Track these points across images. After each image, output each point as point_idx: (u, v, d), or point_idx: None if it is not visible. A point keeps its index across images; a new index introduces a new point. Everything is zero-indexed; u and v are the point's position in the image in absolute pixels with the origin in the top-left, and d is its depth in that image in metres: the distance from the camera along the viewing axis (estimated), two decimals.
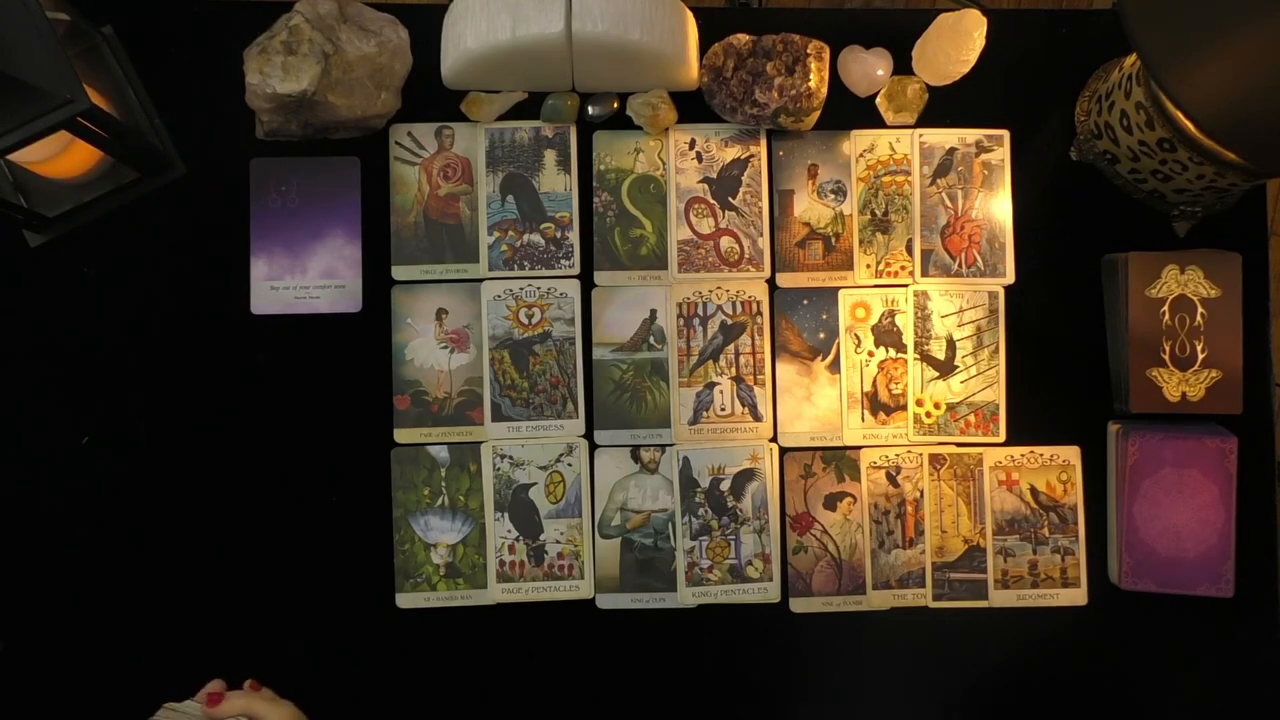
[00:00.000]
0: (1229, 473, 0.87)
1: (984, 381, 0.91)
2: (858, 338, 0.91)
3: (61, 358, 0.89)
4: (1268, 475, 0.90)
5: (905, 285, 0.92)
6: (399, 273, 0.91)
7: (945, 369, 0.91)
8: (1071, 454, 0.91)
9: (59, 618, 0.88)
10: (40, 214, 0.86)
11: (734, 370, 0.91)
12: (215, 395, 0.89)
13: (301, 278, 0.90)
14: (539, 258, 0.91)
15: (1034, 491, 0.90)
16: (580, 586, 0.89)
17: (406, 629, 0.89)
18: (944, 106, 0.93)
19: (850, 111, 0.93)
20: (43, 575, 0.88)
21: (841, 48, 0.92)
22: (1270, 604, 0.90)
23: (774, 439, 0.91)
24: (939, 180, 0.92)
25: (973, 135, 0.92)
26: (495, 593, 0.89)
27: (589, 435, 0.90)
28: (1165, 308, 0.88)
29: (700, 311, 0.91)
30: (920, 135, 0.92)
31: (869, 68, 0.92)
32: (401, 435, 0.90)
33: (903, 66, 0.93)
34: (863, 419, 0.91)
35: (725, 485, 0.90)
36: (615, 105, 0.91)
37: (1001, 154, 0.92)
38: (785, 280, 0.92)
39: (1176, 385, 0.87)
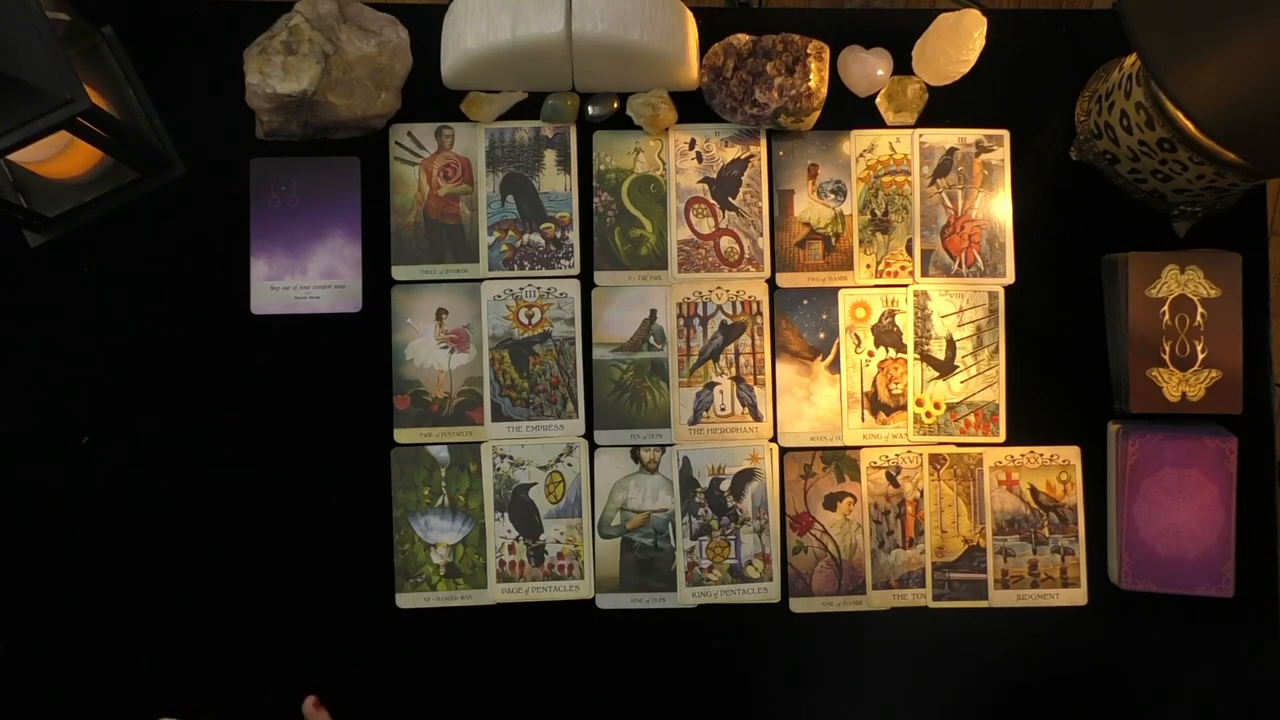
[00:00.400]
0: (1229, 473, 0.87)
1: (984, 381, 0.91)
2: (858, 338, 0.91)
3: (61, 358, 0.89)
4: (1268, 475, 0.90)
5: (905, 285, 0.92)
6: (399, 273, 0.91)
7: (945, 369, 0.91)
8: (1071, 454, 0.91)
9: (59, 618, 0.88)
10: (40, 214, 0.86)
11: (734, 370, 0.91)
12: (215, 395, 0.89)
13: (301, 278, 0.90)
14: (539, 258, 0.91)
15: (1034, 491, 0.90)
16: (580, 586, 0.89)
17: (406, 629, 0.89)
18: (944, 106, 0.93)
19: (850, 111, 0.93)
20: (43, 575, 0.88)
21: (841, 48, 0.92)
22: (1270, 604, 0.90)
23: (774, 439, 0.91)
24: (939, 180, 0.92)
25: (973, 135, 0.92)
26: (495, 593, 0.89)
27: (589, 435, 0.90)
28: (1165, 308, 0.88)
29: (700, 311, 0.91)
30: (920, 135, 0.92)
31: (869, 68, 0.92)
32: (401, 435, 0.90)
33: (903, 66, 0.93)
34: (863, 419, 0.91)
35: (725, 485, 0.90)
36: (615, 105, 0.91)
37: (1001, 154, 0.92)
38: (785, 280, 0.92)
39: (1176, 385, 0.87)
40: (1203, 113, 0.71)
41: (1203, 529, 0.87)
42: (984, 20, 0.89)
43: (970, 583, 0.90)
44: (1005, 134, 0.92)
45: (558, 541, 0.89)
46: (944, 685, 0.90)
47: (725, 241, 0.91)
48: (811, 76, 0.87)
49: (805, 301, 0.92)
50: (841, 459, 0.91)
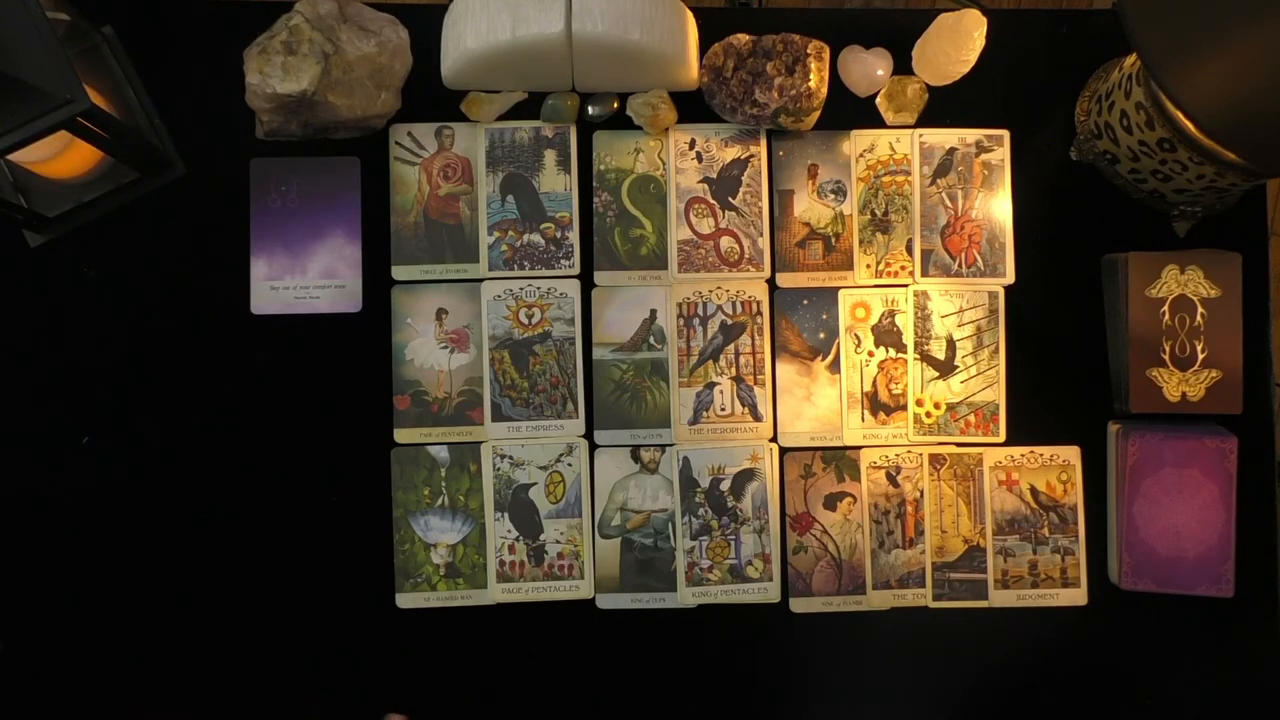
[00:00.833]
0: (1229, 473, 0.87)
1: (984, 381, 0.91)
2: (858, 338, 0.91)
3: (61, 358, 0.89)
4: (1268, 475, 0.90)
5: (905, 285, 0.92)
6: (399, 273, 0.91)
7: (945, 369, 0.91)
8: (1071, 454, 0.91)
9: (59, 618, 0.88)
10: (40, 214, 0.86)
11: (734, 370, 0.91)
12: (215, 395, 0.89)
13: (301, 278, 0.90)
14: (539, 258, 0.91)
15: (1034, 491, 0.90)
16: (580, 586, 0.89)
17: (406, 629, 0.89)
18: (944, 106, 0.93)
19: (850, 111, 0.93)
20: (43, 575, 0.88)
21: (841, 48, 0.92)
22: (1270, 604, 0.90)
23: (774, 439, 0.91)
24: (939, 180, 0.92)
25: (973, 135, 0.92)
26: (495, 593, 0.89)
27: (589, 435, 0.90)
28: (1165, 308, 0.88)
29: (700, 311, 0.91)
30: (920, 135, 0.92)
31: (869, 68, 0.92)
32: (401, 435, 0.90)
33: (903, 66, 0.93)
34: (863, 419, 0.91)
35: (725, 485, 0.90)
36: (615, 105, 0.91)
37: (1001, 154, 0.92)
38: (785, 280, 0.92)
39: (1176, 385, 0.87)
40: (1203, 113, 0.71)
41: (1203, 529, 0.87)
42: (984, 20, 0.89)
43: (970, 583, 0.90)
44: (1005, 134, 0.92)
45: (558, 541, 0.89)
46: (944, 685, 0.90)
47: (725, 241, 0.91)
48: (811, 76, 0.87)
49: (805, 301, 0.92)
50: (841, 459, 0.91)
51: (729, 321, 0.91)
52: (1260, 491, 0.90)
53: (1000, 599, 0.90)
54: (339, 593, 0.89)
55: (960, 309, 0.91)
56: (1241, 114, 0.71)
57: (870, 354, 0.91)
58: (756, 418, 0.91)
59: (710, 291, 0.91)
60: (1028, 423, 0.91)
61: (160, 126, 0.90)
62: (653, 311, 0.91)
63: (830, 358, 0.91)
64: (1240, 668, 0.90)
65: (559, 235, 0.91)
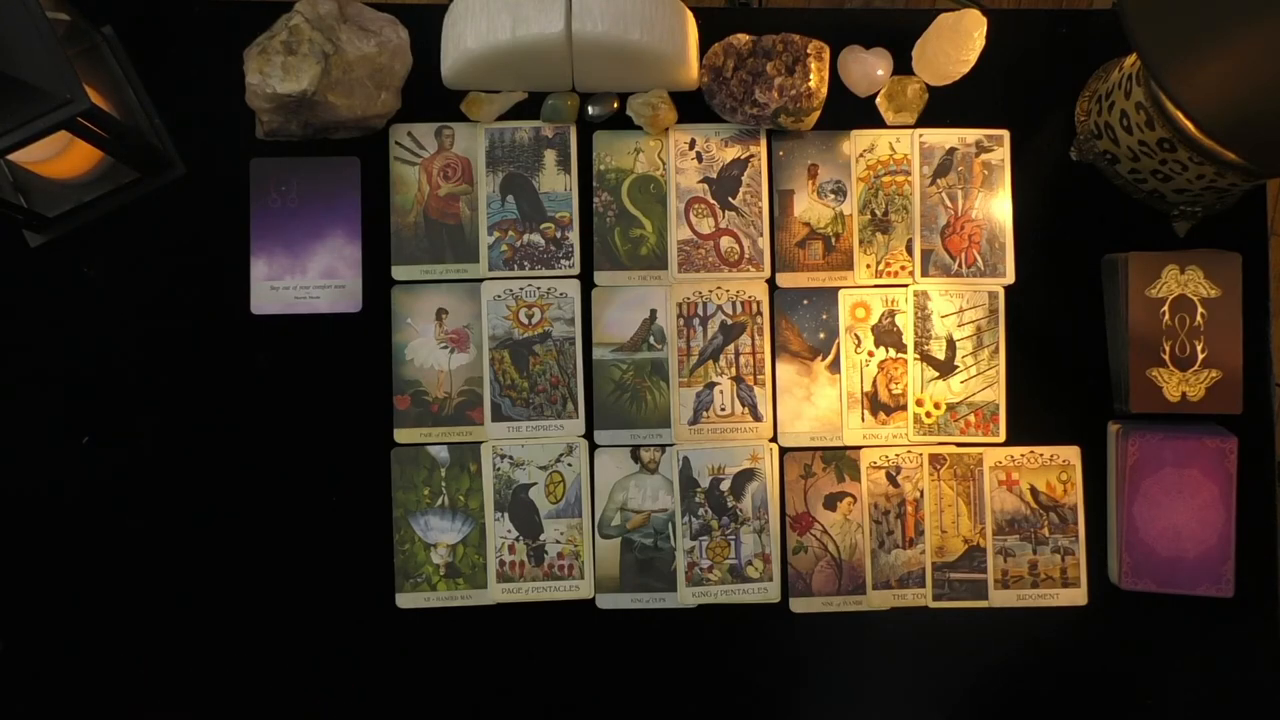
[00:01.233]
0: (1229, 473, 0.87)
1: (984, 381, 0.91)
2: (858, 338, 0.91)
3: (61, 358, 0.89)
4: (1268, 475, 0.90)
5: (905, 285, 0.92)
6: (399, 273, 0.91)
7: (945, 369, 0.91)
8: (1071, 454, 0.91)
9: (59, 618, 0.88)
10: (40, 214, 0.86)
11: (734, 370, 0.91)
12: (215, 395, 0.89)
13: (301, 278, 0.90)
14: (539, 258, 0.91)
15: (1034, 491, 0.90)
16: (580, 586, 0.89)
17: (406, 629, 0.89)
18: (944, 106, 0.93)
19: (850, 111, 0.93)
20: (43, 575, 0.88)
21: (841, 48, 0.92)
22: (1270, 604, 0.90)
23: (774, 439, 0.91)
24: (939, 180, 0.92)
25: (973, 135, 0.92)
26: (495, 593, 0.89)
27: (589, 435, 0.90)
28: (1165, 308, 0.88)
29: (700, 311, 0.91)
30: (920, 135, 0.92)
31: (869, 68, 0.92)
32: (401, 435, 0.90)
33: (903, 66, 0.93)
34: (863, 419, 0.91)
35: (725, 485, 0.90)
36: (615, 105, 0.91)
37: (1001, 154, 0.92)
38: (785, 280, 0.92)
39: (1176, 385, 0.87)
40: (1203, 113, 0.71)
41: (1203, 529, 0.87)
42: (984, 20, 0.89)
43: (970, 583, 0.90)
44: (1005, 134, 0.92)
45: (558, 541, 0.89)
46: (944, 685, 0.91)
47: (725, 241, 0.92)
48: (811, 76, 0.87)
49: (805, 301, 0.92)
50: (841, 459, 0.91)
51: (729, 321, 0.91)
52: (1260, 491, 0.90)
53: (1000, 599, 0.90)
54: (339, 593, 0.89)
55: (960, 309, 0.91)
56: (1241, 114, 0.71)
57: (870, 354, 0.91)
58: (756, 418, 0.91)
59: (710, 291, 0.91)
60: (1028, 423, 0.91)
61: (160, 126, 0.90)
62: (653, 311, 0.91)
63: (830, 358, 0.91)
64: (1240, 668, 0.90)
65: (559, 235, 0.91)
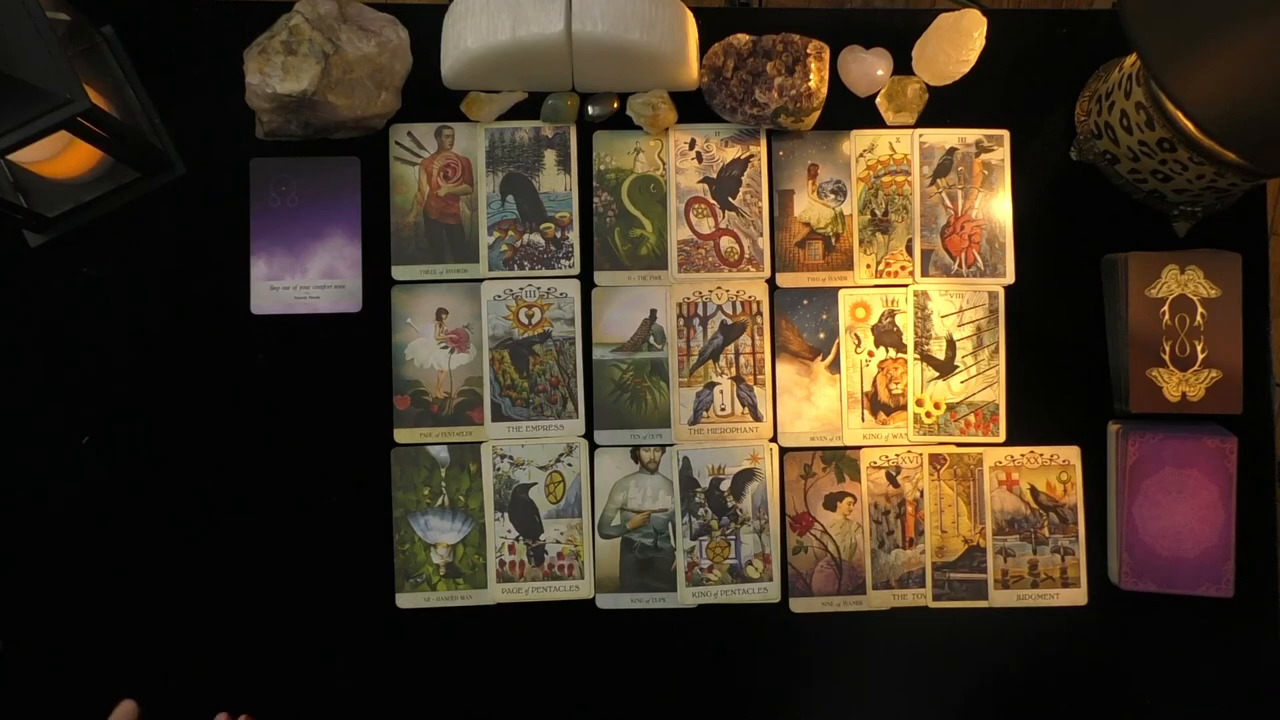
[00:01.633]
0: (1229, 473, 0.87)
1: (984, 381, 0.91)
2: (858, 338, 0.91)
3: (61, 358, 0.89)
4: (1268, 475, 0.90)
5: (905, 285, 0.92)
6: (399, 273, 0.91)
7: (945, 369, 0.91)
8: (1071, 454, 0.91)
9: (59, 618, 0.88)
10: (40, 214, 0.86)
11: (734, 370, 0.91)
12: (215, 395, 0.89)
13: (301, 278, 0.90)
14: (539, 258, 0.91)
15: (1034, 491, 0.90)
16: (580, 586, 0.89)
17: (406, 629, 0.89)
18: (944, 106, 0.93)
19: (850, 111, 0.93)
20: (43, 575, 0.88)
21: (841, 48, 0.92)
22: (1270, 604, 0.90)
23: (774, 439, 0.91)
24: (939, 180, 0.92)
25: (973, 135, 0.92)
26: (495, 593, 0.89)
27: (589, 435, 0.90)
28: (1165, 308, 0.88)
29: (700, 311, 0.91)
30: (920, 135, 0.92)
31: (869, 68, 0.92)
32: (401, 435, 0.90)
33: (903, 66, 0.93)
34: (863, 419, 0.91)
35: (725, 485, 0.90)
36: (615, 105, 0.91)
37: (1001, 154, 0.92)
38: (785, 280, 0.92)
39: (1176, 385, 0.87)
40: (1203, 113, 0.71)
41: (1203, 529, 0.87)
42: (984, 20, 0.89)
43: (970, 583, 0.90)
44: (1005, 134, 0.92)
45: (558, 541, 0.89)
46: (944, 685, 0.91)
47: (725, 241, 0.92)
48: (811, 76, 0.87)
49: (805, 301, 0.92)
50: (841, 459, 0.91)
51: (729, 321, 0.91)
52: (1260, 491, 0.90)
53: (1000, 599, 0.90)
54: (339, 593, 0.89)
55: (960, 309, 0.91)
56: (1241, 114, 0.71)
57: (870, 354, 0.91)
58: (756, 418, 0.91)
59: (710, 291, 0.91)
60: (1028, 423, 0.91)
61: (160, 126, 0.90)
62: (653, 311, 0.91)
63: (830, 358, 0.91)
64: (1240, 668, 0.90)
65: (559, 235, 0.91)
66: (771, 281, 0.92)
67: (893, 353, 0.91)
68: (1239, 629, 0.90)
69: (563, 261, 0.91)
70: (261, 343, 0.90)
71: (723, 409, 0.91)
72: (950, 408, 0.91)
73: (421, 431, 0.90)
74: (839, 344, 0.91)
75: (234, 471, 0.89)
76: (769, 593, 0.90)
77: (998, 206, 0.92)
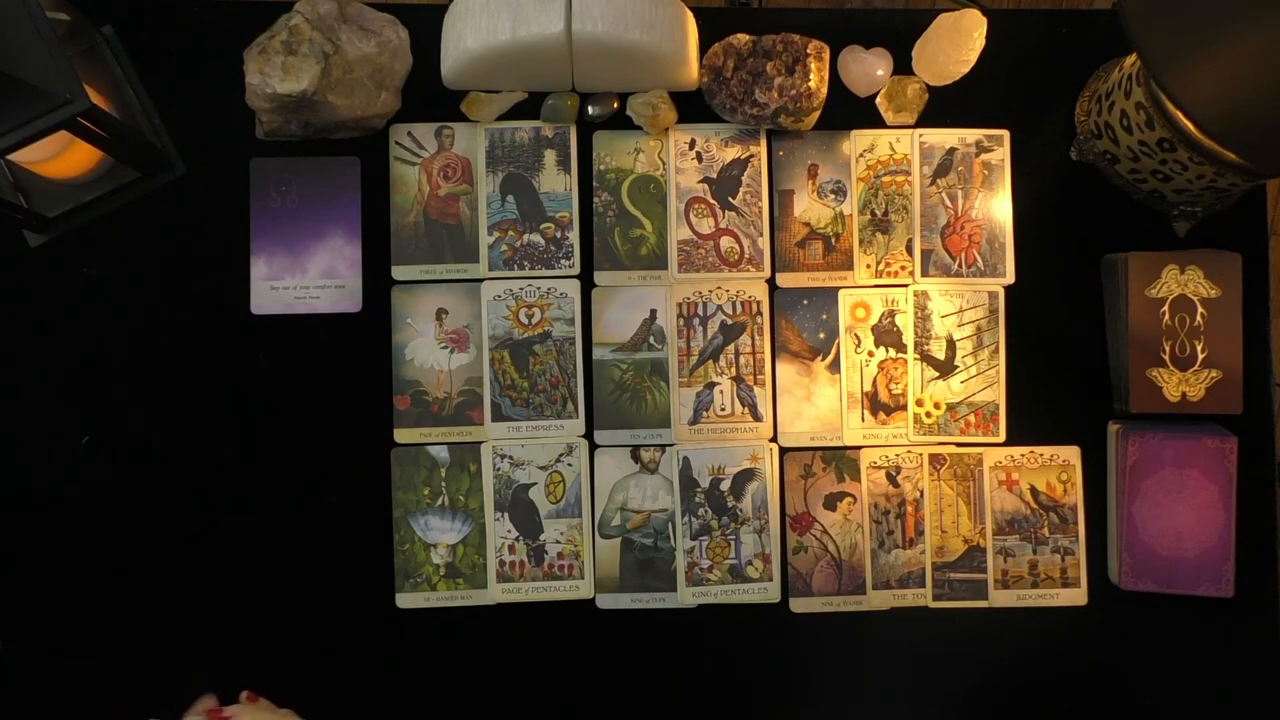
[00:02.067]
0: (1229, 473, 0.87)
1: (984, 381, 0.91)
2: (858, 338, 0.91)
3: (61, 358, 0.89)
4: (1268, 475, 0.90)
5: (905, 285, 0.92)
6: (399, 273, 0.91)
7: (945, 369, 0.91)
8: (1071, 454, 0.91)
9: (59, 618, 0.88)
10: (40, 214, 0.86)
11: (734, 370, 0.91)
12: (215, 395, 0.89)
13: (301, 278, 0.90)
14: (539, 258, 0.91)
15: (1034, 491, 0.90)
16: (580, 586, 0.89)
17: (406, 629, 0.89)
18: (944, 106, 0.93)
19: (850, 111, 0.93)
20: (43, 575, 0.88)
21: (841, 48, 0.92)
22: (1270, 604, 0.90)
23: (774, 439, 0.91)
24: (939, 180, 0.92)
25: (973, 135, 0.92)
26: (495, 593, 0.89)
27: (589, 435, 0.90)
28: (1165, 308, 0.88)
29: (700, 311, 0.91)
30: (920, 135, 0.92)
31: (869, 68, 0.92)
32: (401, 435, 0.90)
33: (903, 66, 0.93)
34: (863, 419, 0.91)
35: (725, 485, 0.90)
36: (615, 105, 0.91)
37: (1001, 154, 0.92)
38: (785, 280, 0.92)
39: (1176, 385, 0.87)
40: (1203, 113, 0.71)
41: (1203, 529, 0.87)
42: (984, 20, 0.89)
43: (970, 583, 0.90)
44: (1005, 134, 0.92)
45: (558, 541, 0.89)
46: (944, 685, 0.90)
47: (725, 241, 0.92)
48: (811, 76, 0.87)
49: (805, 301, 0.92)
50: (841, 459, 0.91)
51: (729, 321, 0.91)
52: (1260, 491, 0.90)
53: (1000, 599, 0.90)
54: (339, 593, 0.89)
55: (960, 309, 0.91)
56: (1241, 114, 0.71)
57: (870, 354, 0.91)
58: (756, 418, 0.91)
59: (710, 291, 0.91)
60: (1028, 423, 0.91)
61: (160, 126, 0.90)
62: (653, 311, 0.91)
63: (830, 358, 0.91)
64: (1240, 668, 0.90)
65: (559, 235, 0.91)
66: (771, 281, 0.92)
67: (893, 353, 0.91)
68: (1239, 629, 0.90)
69: (563, 261, 0.91)
70: (261, 343, 0.90)
71: (723, 409, 0.91)
72: (950, 408, 0.91)
73: (421, 431, 0.90)
74: (839, 344, 0.91)
75: (234, 471, 0.89)
76: (769, 593, 0.90)
77: (998, 206, 0.92)
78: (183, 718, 0.74)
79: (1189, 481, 0.87)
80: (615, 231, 0.91)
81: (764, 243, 0.92)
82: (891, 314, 0.91)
